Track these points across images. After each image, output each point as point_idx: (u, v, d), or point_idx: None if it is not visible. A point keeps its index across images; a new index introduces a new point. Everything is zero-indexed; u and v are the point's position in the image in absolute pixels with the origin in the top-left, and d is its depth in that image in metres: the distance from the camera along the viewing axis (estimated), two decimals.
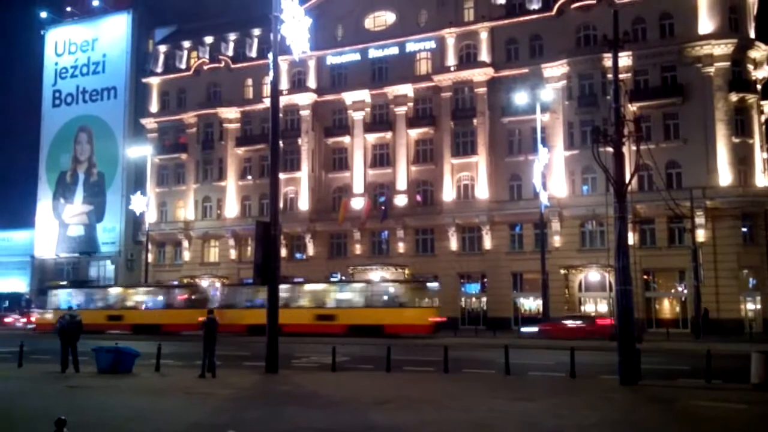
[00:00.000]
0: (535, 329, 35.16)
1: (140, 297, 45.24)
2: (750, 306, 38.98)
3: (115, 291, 47.48)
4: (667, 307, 41.42)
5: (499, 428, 9.64)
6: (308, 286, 40.82)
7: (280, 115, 36.02)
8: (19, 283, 67.53)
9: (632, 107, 36.05)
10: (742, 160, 39.33)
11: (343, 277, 47.88)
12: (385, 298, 37.73)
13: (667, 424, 10.07)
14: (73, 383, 15.87)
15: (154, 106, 57.77)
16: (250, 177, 53.10)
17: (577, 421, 10.13)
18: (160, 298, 44.82)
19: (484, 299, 45.69)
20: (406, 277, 46.47)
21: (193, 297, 43.11)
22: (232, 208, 53.22)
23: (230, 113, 53.74)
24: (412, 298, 36.87)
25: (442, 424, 10.02)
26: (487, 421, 10.19)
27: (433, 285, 38.67)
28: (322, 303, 39.08)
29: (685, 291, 39.23)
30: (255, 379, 16.91)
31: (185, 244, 54.98)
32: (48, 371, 18.37)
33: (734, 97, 39.21)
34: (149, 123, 57.54)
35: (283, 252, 45.17)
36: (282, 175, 37.45)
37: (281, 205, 46.30)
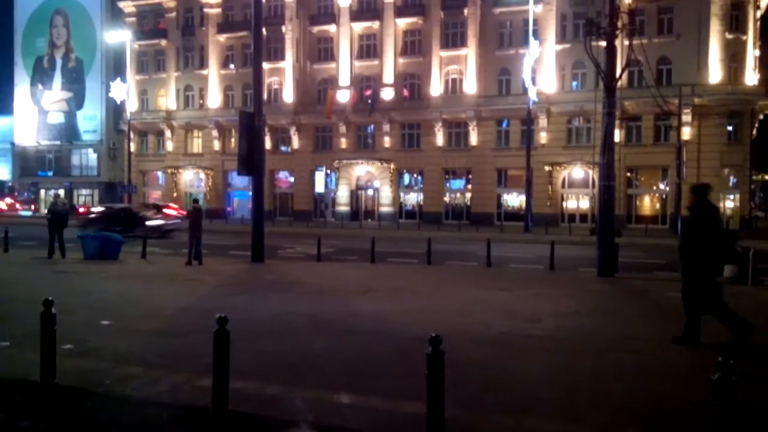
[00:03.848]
0: None
1: None
2: (729, 204, 39.70)
3: None
4: (647, 204, 42.12)
5: (479, 315, 9.94)
6: None
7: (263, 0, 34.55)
8: (0, 170, 66.99)
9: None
10: (734, 57, 38.78)
11: (328, 171, 47.90)
12: None
13: (641, 313, 10.42)
14: (60, 268, 16.03)
15: None
16: (232, 66, 51.70)
17: (555, 310, 10.45)
18: None
19: (468, 195, 46.07)
20: (391, 171, 46.58)
21: None
22: (214, 98, 52.13)
23: None
24: None
25: (425, 311, 10.31)
26: (468, 309, 10.49)
27: None
28: None
29: (667, 189, 39.76)
30: (241, 268, 17.16)
31: (168, 134, 54.23)
32: (34, 257, 18.52)
33: None
34: (127, 6, 55.19)
35: (268, 144, 44.71)
36: (265, 65, 36.32)
37: (265, 96, 45.31)
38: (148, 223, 29.27)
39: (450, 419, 4.49)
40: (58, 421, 5.15)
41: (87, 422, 5.08)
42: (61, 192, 57.43)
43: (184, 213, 50.28)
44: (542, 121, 41.95)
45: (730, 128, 39.12)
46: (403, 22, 46.61)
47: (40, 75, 61.52)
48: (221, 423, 4.99)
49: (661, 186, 40.86)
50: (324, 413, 5.26)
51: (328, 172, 48.53)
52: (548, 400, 5.73)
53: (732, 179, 40.01)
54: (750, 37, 39.18)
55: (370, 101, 45.95)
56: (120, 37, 50.73)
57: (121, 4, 55.19)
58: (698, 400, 5.24)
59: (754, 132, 40.26)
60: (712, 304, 7.94)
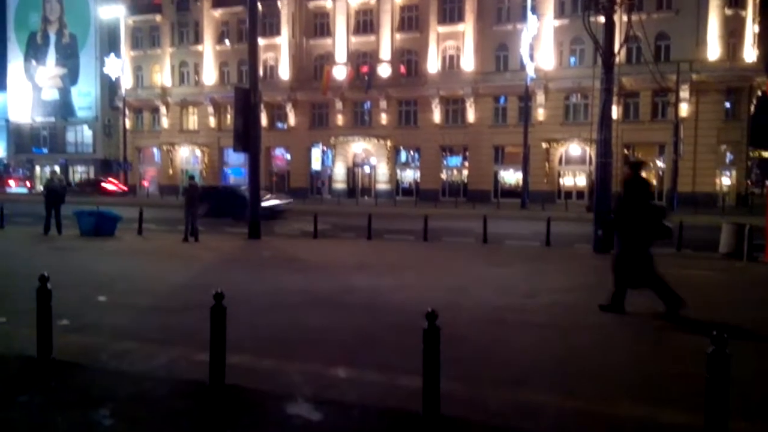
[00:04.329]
0: None
1: None
2: (725, 181, 39.76)
3: None
4: None
5: (475, 291, 9.97)
6: None
7: None
8: None
9: None
10: (733, 33, 38.55)
11: (325, 148, 47.74)
12: None
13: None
14: (56, 245, 16.02)
15: None
16: (227, 41, 51.23)
17: (550, 286, 10.49)
18: None
19: (465, 172, 46.00)
20: (388, 148, 46.44)
21: None
22: (210, 75, 51.75)
23: None
24: None
25: (420, 287, 10.33)
26: (463, 285, 10.51)
27: None
28: None
29: (664, 165, 39.74)
30: (238, 244, 17.16)
31: (163, 110, 53.91)
32: (30, 233, 18.49)
33: None
34: None
35: (264, 121, 44.52)
36: (261, 41, 36.05)
37: (261, 72, 45.03)
38: (263, 203, 26.06)
39: (446, 393, 4.52)
40: (56, 396, 5.17)
41: (84, 396, 5.10)
42: (57, 169, 57.11)
43: (126, 188, 50.24)
44: (540, 98, 41.76)
45: (727, 105, 39.01)
46: None
47: (34, 51, 60.92)
48: (218, 396, 5.01)
49: (658, 163, 40.81)
50: (320, 387, 5.28)
51: (325, 149, 48.37)
52: (543, 373, 5.77)
53: (729, 156, 39.99)
54: (749, 12, 38.91)
55: (366, 78, 45.65)
56: (114, 12, 50.26)
57: None
58: (691, 372, 5.28)
59: (752, 109, 40.17)
60: (647, 276, 8.13)
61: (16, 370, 5.83)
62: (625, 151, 40.57)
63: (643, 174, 8.43)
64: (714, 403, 3.80)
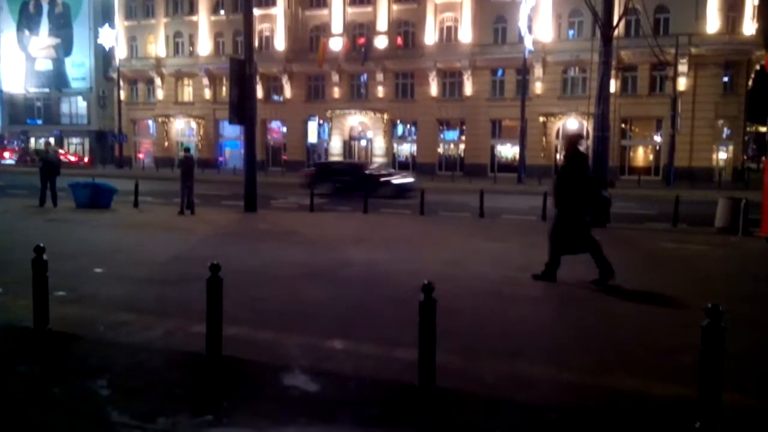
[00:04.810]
0: None
1: None
2: (722, 156, 39.74)
3: None
4: (641, 156, 42.09)
5: (471, 265, 10.00)
6: None
7: None
8: None
9: None
10: (732, 6, 38.22)
11: (321, 121, 47.44)
12: None
13: (629, 262, 10.50)
14: (51, 217, 15.99)
15: None
16: (222, 12, 50.58)
17: (546, 259, 10.51)
18: None
19: (462, 146, 45.86)
20: (384, 122, 46.18)
21: None
22: (205, 45, 51.19)
23: None
24: None
25: (416, 261, 10.36)
26: (460, 259, 10.54)
27: None
28: None
29: (661, 140, 39.68)
30: (234, 217, 17.15)
31: (158, 81, 53.42)
32: (26, 205, 18.43)
33: None
34: None
35: (260, 93, 44.15)
36: (256, 11, 35.61)
37: (256, 43, 44.45)
38: (393, 181, 25.42)
39: (441, 365, 4.55)
40: (53, 366, 5.19)
41: (81, 367, 5.13)
42: (51, 140, 56.80)
43: (75, 159, 49.99)
44: (537, 71, 41.48)
45: (725, 79, 38.83)
46: None
47: (27, 20, 60.10)
48: (215, 368, 5.04)
49: (655, 137, 40.74)
50: (317, 359, 5.31)
51: (321, 122, 48.06)
52: (538, 346, 5.81)
53: (726, 131, 39.92)
54: None
55: (363, 49, 45.21)
56: None
57: None
58: (684, 345, 5.32)
59: (750, 83, 39.99)
60: (585, 242, 8.45)
61: (13, 340, 5.85)
62: (623, 126, 40.49)
63: (581, 148, 8.85)
64: (708, 375, 3.83)
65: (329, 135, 48.52)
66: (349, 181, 24.30)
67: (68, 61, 58.88)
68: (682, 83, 37.35)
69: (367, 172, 26.38)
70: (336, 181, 24.62)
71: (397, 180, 25.95)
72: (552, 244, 8.65)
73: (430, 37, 44.42)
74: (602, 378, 4.94)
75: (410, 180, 27.08)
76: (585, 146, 9.03)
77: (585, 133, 39.64)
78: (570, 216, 8.45)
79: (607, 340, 6.06)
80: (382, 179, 25.26)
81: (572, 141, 8.91)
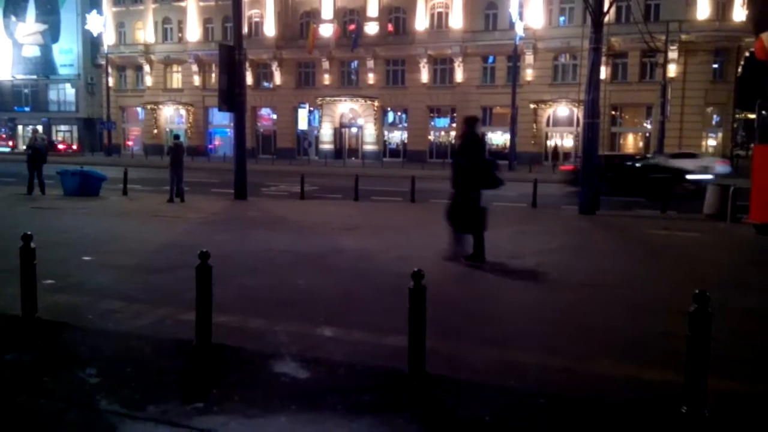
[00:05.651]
0: None
1: None
2: (711, 143, 39.91)
3: None
4: (631, 142, 42.22)
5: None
6: None
7: None
8: None
9: None
10: None
11: (311, 108, 47.25)
12: None
13: (619, 249, 10.57)
14: (39, 204, 15.88)
15: None
16: None
17: (538, 247, 10.56)
18: None
19: (452, 133, 45.83)
20: (375, 109, 46.02)
21: None
22: (193, 32, 50.78)
23: None
24: None
25: (407, 248, 10.36)
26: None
27: None
28: None
29: (650, 127, 39.80)
30: (224, 205, 17.09)
31: (147, 68, 53.01)
32: (13, 193, 18.29)
33: None
34: None
35: (249, 80, 43.93)
36: None
37: (245, 29, 44.14)
38: (689, 177, 20.12)
39: (431, 351, 4.56)
40: (43, 355, 5.17)
41: (71, 355, 5.11)
42: (39, 128, 56.23)
43: (64, 147, 49.63)
44: (528, 58, 41.44)
45: (715, 66, 38.93)
46: None
47: (13, 6, 59.38)
48: (205, 355, 5.04)
49: (645, 124, 40.86)
50: (307, 346, 5.32)
51: (311, 109, 47.88)
52: (527, 333, 5.84)
53: (715, 117, 40.09)
54: None
55: (353, 36, 44.99)
56: None
57: None
58: (675, 332, 5.36)
59: (740, 70, 40.09)
60: (474, 225, 8.78)
61: (0, 329, 5.81)
62: (612, 113, 40.56)
63: (477, 130, 9.26)
64: (695, 360, 3.87)
65: (320, 122, 48.35)
66: (631, 179, 19.82)
67: (56, 48, 58.28)
68: (672, 70, 37.42)
69: (664, 168, 20.41)
70: (613, 178, 19.32)
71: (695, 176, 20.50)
72: (453, 224, 8.96)
73: (421, 23, 44.24)
74: (590, 364, 4.98)
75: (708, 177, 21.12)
76: (481, 130, 9.40)
77: (575, 120, 39.78)
78: (463, 195, 8.78)
79: (593, 327, 6.09)
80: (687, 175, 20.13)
81: (468, 122, 9.27)
